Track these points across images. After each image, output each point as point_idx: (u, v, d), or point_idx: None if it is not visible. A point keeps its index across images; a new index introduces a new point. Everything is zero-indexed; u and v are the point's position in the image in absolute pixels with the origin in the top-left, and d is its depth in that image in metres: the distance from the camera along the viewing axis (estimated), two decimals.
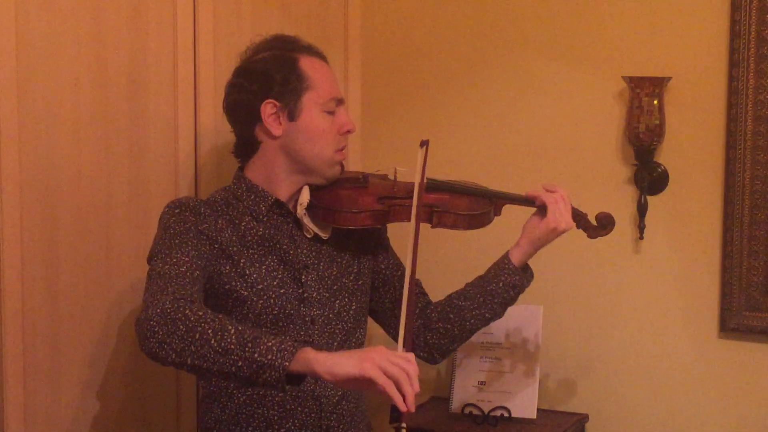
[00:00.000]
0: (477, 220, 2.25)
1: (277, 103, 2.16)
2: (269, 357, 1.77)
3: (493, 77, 2.97)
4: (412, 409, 1.79)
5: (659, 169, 2.78)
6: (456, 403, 2.87)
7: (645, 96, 2.71)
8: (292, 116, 2.17)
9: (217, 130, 2.52)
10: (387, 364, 1.77)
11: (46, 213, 2.23)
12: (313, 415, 2.16)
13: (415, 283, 2.33)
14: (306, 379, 1.84)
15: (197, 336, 1.83)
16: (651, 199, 2.79)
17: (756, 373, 2.73)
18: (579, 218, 2.31)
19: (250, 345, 1.79)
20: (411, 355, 1.83)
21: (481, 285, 2.28)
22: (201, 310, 1.88)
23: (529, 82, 2.93)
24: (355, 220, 2.20)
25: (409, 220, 2.11)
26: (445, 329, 2.29)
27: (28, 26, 2.17)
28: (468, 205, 2.26)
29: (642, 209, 2.78)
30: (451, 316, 2.29)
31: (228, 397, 2.16)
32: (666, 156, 2.78)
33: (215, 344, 1.81)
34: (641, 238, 2.80)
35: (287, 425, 2.14)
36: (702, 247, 2.76)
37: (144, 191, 2.44)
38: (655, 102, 2.71)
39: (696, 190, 2.76)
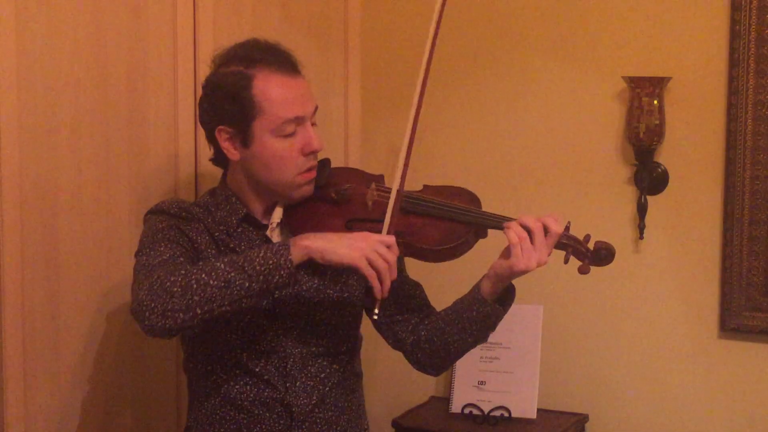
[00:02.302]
0: (447, 254, 2.09)
1: (230, 129, 2.09)
2: (271, 262, 1.90)
3: (493, 77, 2.97)
4: (386, 296, 1.97)
5: (659, 169, 2.78)
6: (456, 403, 2.87)
7: (645, 96, 2.71)
8: (245, 143, 2.09)
9: None
10: (373, 254, 1.93)
11: (46, 213, 2.23)
12: (282, 422, 2.12)
13: (412, 294, 2.29)
14: (305, 269, 1.98)
15: (194, 286, 1.90)
16: (651, 199, 2.79)
17: (756, 373, 2.73)
18: (570, 249, 2.10)
19: (247, 265, 1.90)
20: (392, 240, 1.98)
21: (458, 311, 2.17)
22: (183, 268, 1.95)
23: (529, 82, 2.93)
24: None
25: None
26: (431, 350, 2.22)
27: (28, 26, 2.17)
28: (440, 238, 2.09)
29: (642, 209, 2.78)
30: (435, 338, 2.20)
31: (206, 397, 2.15)
32: (666, 156, 2.78)
33: (215, 282, 1.90)
34: (641, 238, 2.80)
35: (255, 430, 2.12)
36: (702, 247, 2.77)
37: (144, 191, 2.44)
38: (655, 102, 2.71)
39: (696, 190, 2.76)
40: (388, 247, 1.96)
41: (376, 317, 2.04)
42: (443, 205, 2.13)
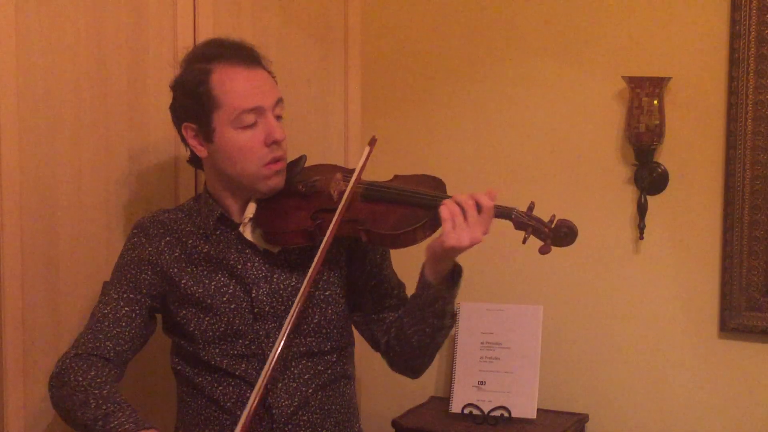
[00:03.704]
0: (405, 238, 2.04)
1: (194, 126, 2.12)
2: None
3: (492, 77, 2.97)
4: None
5: (659, 169, 2.78)
6: (456, 403, 2.87)
7: (645, 96, 2.71)
8: (208, 138, 2.11)
9: None
10: None
11: (46, 213, 2.23)
12: (263, 424, 2.11)
13: (390, 293, 2.25)
14: None
15: (69, 406, 2.03)
16: (651, 199, 2.79)
17: (756, 373, 2.73)
18: (529, 229, 2.02)
19: (100, 423, 1.97)
20: None
21: (410, 300, 2.15)
22: (84, 374, 2.04)
23: (529, 82, 2.93)
24: (285, 240, 2.12)
25: (340, 234, 2.06)
26: (399, 347, 2.18)
27: (28, 26, 2.17)
28: (396, 222, 2.05)
29: (642, 209, 2.78)
30: (400, 334, 2.16)
31: (192, 397, 2.17)
32: (666, 156, 2.78)
33: (79, 416, 2.00)
34: (641, 238, 2.80)
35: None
36: (702, 247, 2.77)
37: (144, 191, 2.44)
38: (655, 102, 2.71)
39: (696, 190, 2.76)
40: None
41: None
42: (399, 189, 2.11)
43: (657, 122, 2.72)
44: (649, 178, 2.78)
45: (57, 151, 2.24)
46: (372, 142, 2.14)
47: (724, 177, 2.72)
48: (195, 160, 2.21)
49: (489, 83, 2.98)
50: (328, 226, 2.06)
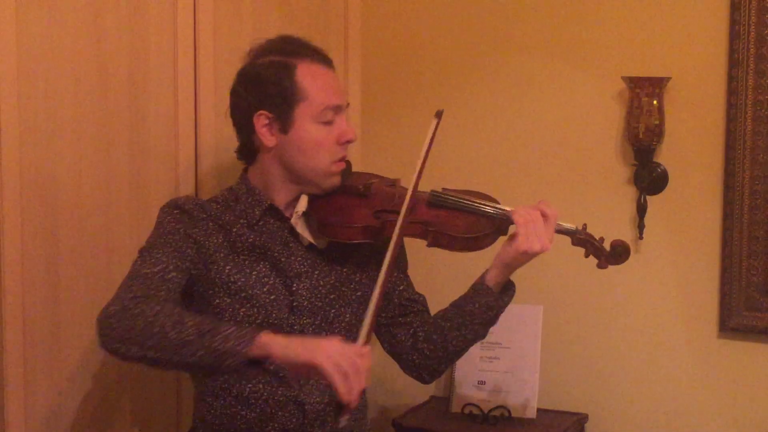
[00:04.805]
0: (473, 243, 2.17)
1: (270, 115, 2.14)
2: (229, 344, 1.87)
3: (493, 77, 2.97)
4: (354, 404, 1.85)
5: (659, 169, 2.78)
6: (456, 403, 2.88)
7: (645, 96, 2.71)
8: (284, 128, 2.14)
9: (217, 130, 2.52)
10: (339, 357, 1.84)
11: (46, 213, 2.23)
12: (294, 420, 2.13)
13: (416, 299, 2.31)
14: (266, 363, 1.91)
15: (156, 330, 1.91)
16: (651, 199, 2.79)
17: (756, 373, 2.73)
18: (589, 245, 2.23)
19: (209, 335, 1.88)
20: (366, 349, 1.90)
21: (460, 305, 2.21)
22: (159, 305, 1.95)
23: (529, 82, 2.93)
24: (347, 235, 2.16)
25: (405, 235, 2.11)
26: (429, 350, 2.24)
27: (28, 26, 2.17)
28: (466, 227, 2.17)
29: (642, 209, 2.78)
30: (434, 336, 2.23)
31: (214, 396, 2.16)
32: (666, 156, 2.78)
33: (174, 336, 1.89)
34: (641, 238, 2.80)
35: (267, 428, 2.12)
36: (702, 247, 2.77)
37: (144, 191, 2.44)
38: (655, 102, 2.71)
39: (696, 190, 2.76)
40: (361, 356, 1.88)
41: (340, 426, 1.90)
42: (465, 199, 2.22)
43: (657, 122, 2.72)
44: (649, 178, 2.78)
45: (57, 151, 2.24)
46: (438, 114, 2.21)
47: (724, 177, 2.72)
48: (247, 151, 2.22)
49: (489, 83, 2.98)
50: (393, 226, 2.11)
